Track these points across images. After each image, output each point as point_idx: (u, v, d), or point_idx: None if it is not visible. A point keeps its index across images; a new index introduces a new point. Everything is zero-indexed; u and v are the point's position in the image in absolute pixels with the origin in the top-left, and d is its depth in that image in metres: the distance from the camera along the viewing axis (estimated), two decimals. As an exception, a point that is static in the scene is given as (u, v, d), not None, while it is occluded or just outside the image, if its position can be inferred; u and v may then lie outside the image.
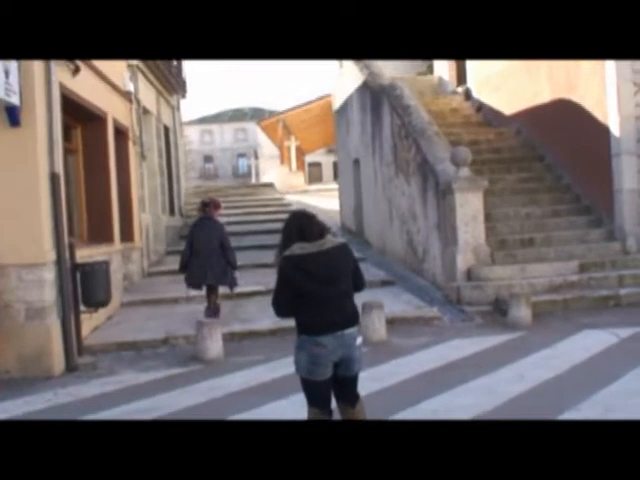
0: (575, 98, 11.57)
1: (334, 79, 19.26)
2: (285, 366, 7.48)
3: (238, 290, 10.86)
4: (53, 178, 7.77)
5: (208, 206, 9.77)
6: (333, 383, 4.34)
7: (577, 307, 9.26)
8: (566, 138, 12.00)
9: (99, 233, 10.71)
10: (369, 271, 12.69)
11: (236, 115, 70.61)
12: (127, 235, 11.93)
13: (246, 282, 11.85)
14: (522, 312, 8.62)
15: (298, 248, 4.18)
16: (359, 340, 4.35)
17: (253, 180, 50.95)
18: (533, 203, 11.61)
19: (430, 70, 20.97)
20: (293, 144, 32.21)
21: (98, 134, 10.80)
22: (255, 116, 67.07)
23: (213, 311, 9.40)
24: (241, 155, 68.86)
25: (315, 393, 4.33)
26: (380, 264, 13.13)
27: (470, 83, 16.46)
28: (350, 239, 16.32)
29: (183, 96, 18.26)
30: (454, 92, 16.97)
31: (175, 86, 16.57)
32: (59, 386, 7.13)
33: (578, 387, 5.98)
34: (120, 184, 11.56)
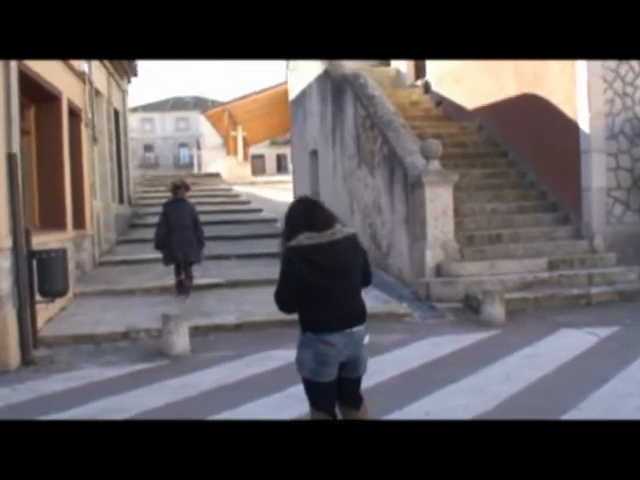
0: (542, 94, 11.50)
1: (290, 69, 18.87)
2: (257, 362, 7.16)
3: (195, 282, 10.61)
4: (10, 159, 7.22)
5: (180, 188, 10.54)
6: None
7: (549, 305, 9.16)
8: (532, 134, 11.93)
9: (51, 219, 10.10)
10: (330, 265, 12.43)
11: (178, 104, 69.22)
12: (79, 222, 11.32)
13: (203, 274, 11.46)
14: (496, 310, 8.46)
15: (305, 238, 3.82)
16: (366, 339, 4.05)
17: (195, 170, 50.04)
18: (498, 199, 11.50)
19: (387, 62, 20.79)
20: (240, 134, 31.65)
21: (52, 115, 10.18)
22: (198, 105, 65.90)
23: (187, 288, 10.10)
24: (182, 145, 67.61)
25: (320, 395, 4.00)
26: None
27: (429, 76, 16.31)
28: (306, 232, 16.04)
29: (130, 80, 17.51)
30: (413, 85, 16.80)
31: (126, 68, 15.90)
32: (17, 381, 6.61)
33: (570, 388, 5.82)
34: (72, 169, 10.96)
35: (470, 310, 9.05)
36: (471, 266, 9.82)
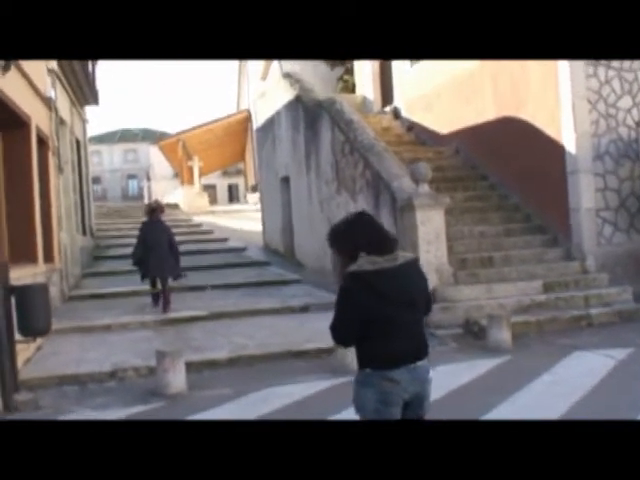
0: (524, 116, 11.40)
1: (255, 96, 18.55)
2: (262, 401, 6.68)
3: (176, 315, 10.33)
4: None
5: (155, 210, 11.29)
6: None
7: (551, 328, 8.92)
8: (513, 157, 11.79)
9: (22, 252, 9.46)
10: (312, 294, 12.01)
11: (126, 135, 68.29)
12: (48, 255, 10.69)
13: (179, 306, 10.95)
14: (503, 334, 8.16)
15: (368, 263, 3.38)
16: (431, 373, 3.65)
17: (146, 201, 49.16)
18: (485, 222, 11.30)
19: (347, 85, 20.70)
20: (197, 164, 31.12)
21: (21, 142, 9.61)
22: (146, 137, 65.17)
23: (165, 301, 10.68)
24: (131, 176, 66.60)
25: None
26: (323, 286, 12.43)
27: (398, 102, 16.19)
28: (277, 260, 15.59)
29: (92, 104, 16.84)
30: (382, 112, 16.64)
31: (88, 96, 15.31)
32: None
33: (613, 415, 5.49)
34: (41, 199, 10.36)
35: (471, 336, 8.75)
36: (468, 290, 9.53)
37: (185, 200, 27.62)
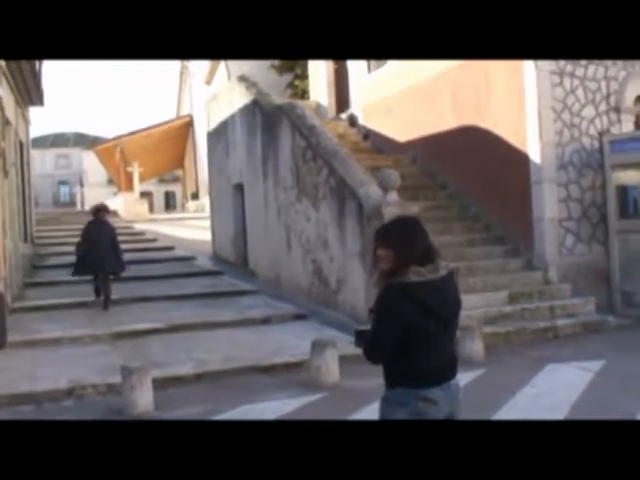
0: (486, 125, 11.36)
1: (207, 99, 18.11)
2: (237, 420, 6.33)
3: (131, 327, 9.91)
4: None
5: (101, 211, 11.93)
6: None
7: (518, 340, 8.85)
8: (474, 167, 11.74)
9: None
10: (271, 304, 11.68)
11: (58, 140, 66.41)
12: (-7, 264, 10.07)
13: (133, 318, 10.48)
14: (475, 346, 8.02)
15: (413, 273, 3.14)
16: (461, 393, 3.42)
17: (79, 208, 47.76)
18: (447, 232, 11.17)
19: (296, 91, 20.49)
20: (136, 170, 30.31)
21: (-33, 142, 9.00)
22: (79, 142, 63.55)
23: (106, 298, 11.31)
24: (63, 182, 64.83)
25: None
26: (279, 296, 12.12)
27: (355, 109, 16.03)
28: (229, 270, 15.17)
29: (37, 104, 16.11)
30: (337, 118, 16.46)
31: (34, 96, 14.62)
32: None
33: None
34: (-14, 204, 9.76)
35: (441, 348, 8.57)
36: (435, 302, 9.36)
37: (124, 207, 26.78)
